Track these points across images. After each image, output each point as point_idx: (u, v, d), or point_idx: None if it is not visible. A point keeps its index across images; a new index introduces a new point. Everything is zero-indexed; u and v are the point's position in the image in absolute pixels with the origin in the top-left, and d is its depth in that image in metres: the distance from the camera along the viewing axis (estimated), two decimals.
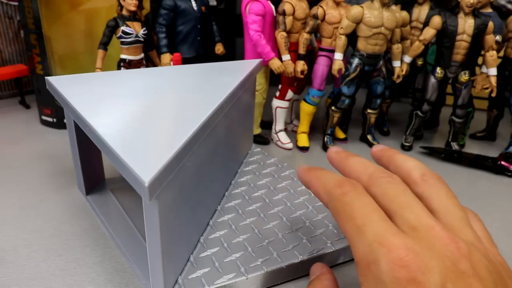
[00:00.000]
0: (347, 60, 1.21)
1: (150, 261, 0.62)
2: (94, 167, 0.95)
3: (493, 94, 1.20)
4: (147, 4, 1.35)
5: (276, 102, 1.27)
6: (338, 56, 1.16)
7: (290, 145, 1.27)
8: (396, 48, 1.22)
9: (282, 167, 1.05)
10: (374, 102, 1.28)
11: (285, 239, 0.76)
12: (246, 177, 0.99)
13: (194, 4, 1.31)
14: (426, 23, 1.21)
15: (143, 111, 0.72)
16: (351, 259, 0.77)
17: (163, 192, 0.55)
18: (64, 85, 0.83)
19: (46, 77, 0.87)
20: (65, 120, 1.34)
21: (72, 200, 0.94)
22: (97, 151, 0.95)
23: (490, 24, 1.13)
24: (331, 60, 1.20)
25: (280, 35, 1.16)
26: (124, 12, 1.22)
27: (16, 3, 1.55)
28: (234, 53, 1.75)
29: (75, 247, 0.78)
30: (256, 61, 1.08)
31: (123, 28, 1.21)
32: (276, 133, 1.30)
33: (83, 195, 0.94)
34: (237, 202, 0.88)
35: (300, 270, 0.72)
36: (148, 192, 0.51)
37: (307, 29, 1.18)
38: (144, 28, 1.25)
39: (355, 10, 1.12)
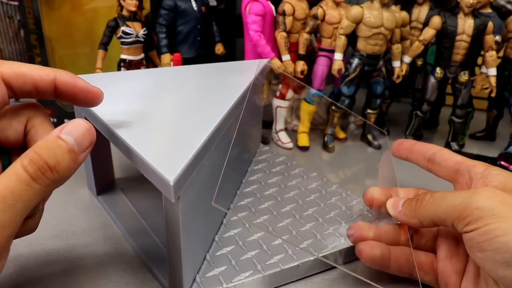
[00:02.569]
0: (347, 60, 1.21)
1: (169, 260, 0.63)
2: (104, 167, 0.96)
3: (493, 94, 1.20)
4: (147, 4, 1.35)
5: (276, 102, 1.27)
6: (338, 56, 1.16)
7: (290, 145, 1.27)
8: (396, 48, 1.22)
9: (291, 165, 1.06)
10: (374, 102, 1.28)
11: (299, 236, 0.77)
12: (257, 175, 1.00)
13: (194, 4, 1.31)
14: (425, 23, 1.21)
15: (158, 111, 0.73)
16: None
17: (185, 191, 0.56)
18: None
19: None
20: (61, 120, 1.35)
21: (71, 200, 0.94)
22: (107, 151, 0.95)
23: (490, 24, 1.13)
24: (331, 60, 1.21)
25: (280, 35, 1.16)
26: (124, 12, 1.22)
27: (16, 3, 1.55)
28: (234, 53, 1.75)
29: (75, 247, 0.78)
30: (264, 61, 1.08)
31: (123, 28, 1.21)
32: (276, 132, 1.30)
33: (94, 195, 0.95)
34: (249, 201, 0.89)
35: (315, 267, 0.73)
36: (173, 191, 0.52)
37: (307, 29, 1.18)
38: (144, 28, 1.25)
39: (355, 10, 1.12)
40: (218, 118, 0.69)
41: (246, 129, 0.99)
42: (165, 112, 0.73)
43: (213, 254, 0.72)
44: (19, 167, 0.46)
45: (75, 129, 0.51)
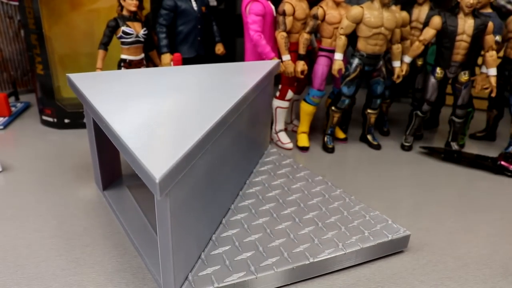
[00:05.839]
0: (347, 60, 1.21)
1: (161, 257, 0.63)
2: (111, 163, 0.97)
3: (493, 94, 1.20)
4: (147, 4, 1.35)
5: (276, 102, 1.27)
6: (338, 56, 1.16)
7: (290, 145, 1.27)
8: (396, 48, 1.22)
9: (297, 168, 1.05)
10: (374, 102, 1.28)
11: (296, 240, 0.76)
12: (261, 177, 1.00)
13: (194, 4, 1.31)
14: (426, 23, 1.21)
15: (159, 109, 0.74)
16: (362, 262, 0.77)
17: (174, 189, 0.57)
18: (84, 82, 0.86)
19: (67, 74, 0.90)
20: (61, 120, 1.35)
21: (72, 201, 0.94)
22: (115, 147, 0.96)
23: (490, 24, 1.13)
24: (331, 60, 1.21)
25: (280, 35, 1.16)
26: (125, 12, 1.22)
27: (16, 3, 1.55)
28: (234, 53, 1.75)
29: (75, 247, 0.78)
30: (274, 62, 1.08)
31: (123, 28, 1.21)
32: (276, 133, 1.30)
33: (100, 190, 0.95)
34: (250, 202, 0.89)
35: (310, 271, 0.72)
36: (159, 189, 0.52)
37: (307, 29, 1.18)
38: (145, 28, 1.25)
39: (355, 10, 1.12)
40: (215, 118, 0.69)
41: (252, 130, 0.99)
42: (168, 110, 0.74)
43: (208, 253, 0.72)
44: None
45: None
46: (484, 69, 1.19)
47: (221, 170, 0.77)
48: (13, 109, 1.47)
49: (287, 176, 1.01)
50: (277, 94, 1.27)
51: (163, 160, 0.55)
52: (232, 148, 0.83)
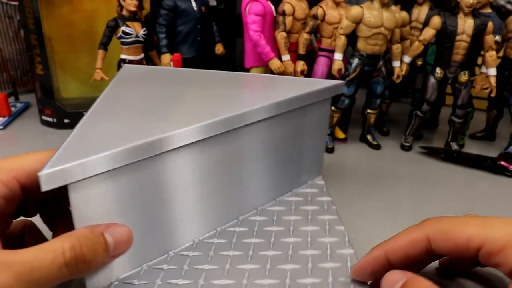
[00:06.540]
0: (347, 60, 1.22)
1: None
2: None
3: (493, 94, 1.20)
4: (147, 4, 1.35)
5: None
6: (338, 56, 1.16)
7: None
8: (396, 48, 1.22)
9: (326, 209, 0.85)
10: (374, 102, 1.28)
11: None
12: (277, 207, 0.85)
13: (194, 4, 1.31)
14: (425, 23, 1.21)
15: (153, 109, 0.71)
16: None
17: (84, 187, 0.53)
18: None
19: None
20: (61, 120, 1.35)
21: None
22: None
23: (490, 24, 1.13)
24: (331, 60, 1.21)
25: (280, 35, 1.16)
26: (124, 12, 1.22)
27: (16, 3, 1.55)
28: (234, 53, 1.75)
29: None
30: (334, 82, 0.90)
31: (123, 28, 1.21)
32: None
33: None
34: (239, 230, 0.76)
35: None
36: (41, 181, 0.48)
37: (307, 29, 1.18)
38: (144, 28, 1.25)
39: (355, 10, 1.12)
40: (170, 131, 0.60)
41: (286, 154, 0.86)
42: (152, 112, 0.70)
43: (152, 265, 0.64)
44: (59, 248, 0.46)
45: (118, 233, 0.53)
46: (483, 69, 1.19)
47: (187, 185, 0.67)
48: (13, 109, 1.47)
49: (306, 215, 0.83)
50: None
51: (74, 156, 0.51)
52: (225, 167, 0.73)
